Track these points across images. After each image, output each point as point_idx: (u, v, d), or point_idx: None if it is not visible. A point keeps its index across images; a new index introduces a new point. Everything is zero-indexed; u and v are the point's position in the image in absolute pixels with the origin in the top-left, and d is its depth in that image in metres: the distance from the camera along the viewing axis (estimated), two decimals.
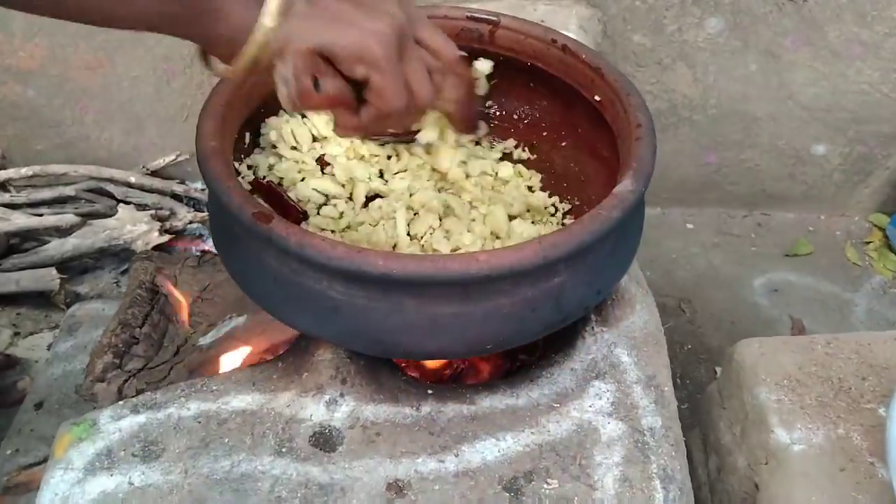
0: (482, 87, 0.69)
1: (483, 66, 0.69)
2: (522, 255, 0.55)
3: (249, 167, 0.76)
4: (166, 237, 1.41)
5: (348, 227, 0.74)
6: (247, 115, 0.74)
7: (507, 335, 0.60)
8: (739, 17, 1.25)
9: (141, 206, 1.47)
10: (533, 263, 0.55)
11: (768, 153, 1.46)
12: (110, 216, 1.46)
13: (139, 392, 0.93)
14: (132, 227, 1.41)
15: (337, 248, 0.54)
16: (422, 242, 0.71)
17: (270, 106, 0.79)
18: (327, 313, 0.59)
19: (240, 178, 0.73)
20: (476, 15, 0.80)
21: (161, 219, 1.42)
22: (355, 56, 0.50)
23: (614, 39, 1.29)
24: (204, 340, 0.94)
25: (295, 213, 0.74)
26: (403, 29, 0.51)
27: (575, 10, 1.21)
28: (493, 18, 0.80)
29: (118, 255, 1.45)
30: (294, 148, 0.80)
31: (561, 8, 1.21)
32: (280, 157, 0.78)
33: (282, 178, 0.77)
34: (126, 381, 0.94)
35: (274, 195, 0.74)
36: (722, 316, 1.38)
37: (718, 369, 1.29)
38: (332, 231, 0.73)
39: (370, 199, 0.78)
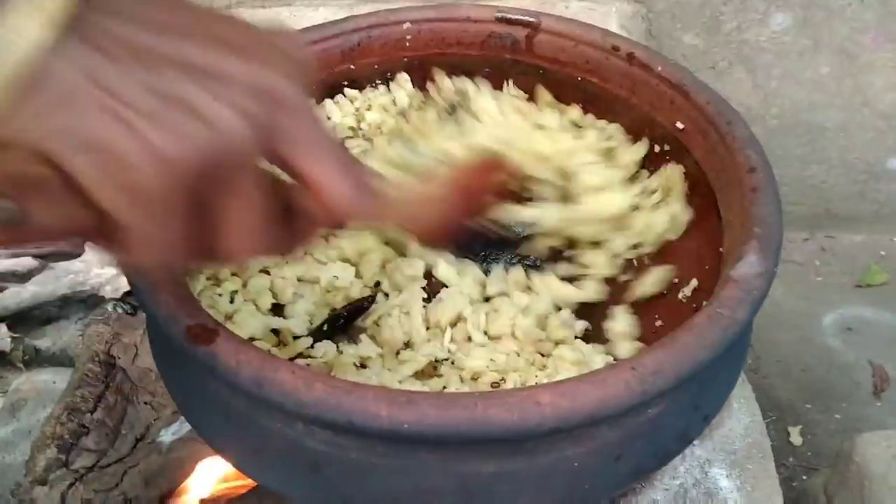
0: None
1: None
2: (609, 394, 0.35)
3: None
4: None
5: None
6: None
7: (577, 496, 0.40)
8: (811, 11, 1.05)
9: None
10: (625, 404, 0.35)
11: (836, 168, 1.26)
12: (76, 256, 1.28)
13: (85, 503, 0.74)
14: (100, 269, 1.22)
15: (314, 387, 0.34)
16: (451, 335, 0.51)
17: None
18: (302, 470, 0.39)
19: None
20: (508, 16, 0.60)
21: None
22: (113, 186, 0.25)
23: (661, 40, 1.09)
24: (165, 435, 0.75)
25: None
26: (247, 142, 0.26)
27: (615, 7, 1.01)
28: (532, 20, 0.60)
29: (85, 301, 1.26)
30: None
31: (598, 5, 1.01)
32: None
33: None
34: (71, 485, 0.75)
35: None
36: (790, 362, 1.18)
37: (792, 430, 1.09)
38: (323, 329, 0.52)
39: None
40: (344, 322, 0.53)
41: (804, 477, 1.00)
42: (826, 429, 1.08)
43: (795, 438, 1.08)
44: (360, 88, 0.63)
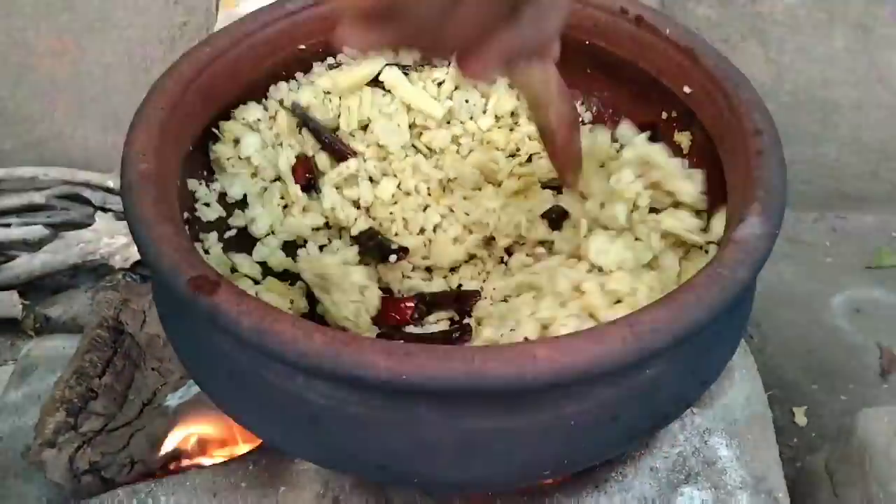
0: None
1: None
2: (605, 350, 0.35)
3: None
4: None
5: None
6: (211, 113, 0.54)
7: (573, 456, 0.40)
8: None
9: (122, 215, 1.28)
10: (621, 360, 0.35)
11: (849, 147, 1.24)
12: (88, 226, 1.29)
13: (92, 465, 0.75)
14: (109, 239, 1.23)
15: (314, 337, 0.35)
16: None
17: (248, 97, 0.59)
18: (303, 424, 0.39)
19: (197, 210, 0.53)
20: None
21: None
22: None
23: (673, 11, 1.07)
24: (172, 399, 0.76)
25: None
26: None
27: None
28: None
29: (95, 270, 1.27)
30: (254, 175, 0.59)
31: None
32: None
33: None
34: (79, 447, 0.76)
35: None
36: (796, 343, 1.17)
37: (797, 410, 1.09)
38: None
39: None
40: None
41: (808, 458, 1.00)
42: (831, 409, 1.08)
43: (800, 419, 1.07)
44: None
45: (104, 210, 1.28)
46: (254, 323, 0.35)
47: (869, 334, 1.18)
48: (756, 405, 0.56)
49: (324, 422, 0.39)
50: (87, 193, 1.28)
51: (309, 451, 0.41)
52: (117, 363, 0.84)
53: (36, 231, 1.21)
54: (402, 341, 0.37)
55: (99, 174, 1.28)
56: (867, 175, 1.28)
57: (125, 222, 1.24)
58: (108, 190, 1.29)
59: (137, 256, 1.22)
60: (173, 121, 0.48)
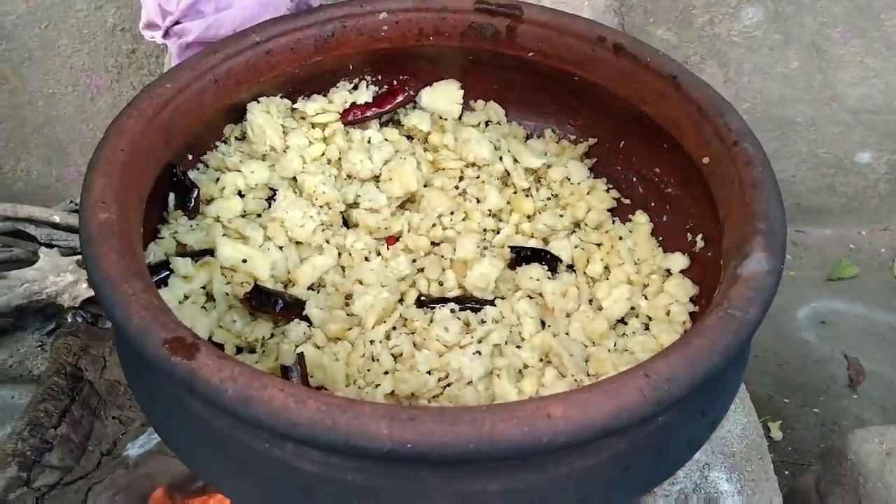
0: None
1: None
2: (622, 403, 0.32)
3: (174, 236, 0.52)
4: None
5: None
6: (168, 157, 0.51)
7: None
8: (782, 5, 1.05)
9: (69, 251, 1.22)
10: (640, 413, 0.33)
11: (806, 163, 1.26)
12: (32, 263, 1.22)
13: None
14: (55, 277, 1.16)
15: (306, 405, 0.31)
16: None
17: (203, 140, 0.56)
18: (294, 494, 0.36)
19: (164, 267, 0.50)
20: (489, 5, 0.58)
21: None
22: None
23: (632, 34, 1.07)
24: (132, 449, 0.71)
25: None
26: None
27: (587, 1, 0.99)
28: (514, 10, 0.57)
29: (42, 311, 1.20)
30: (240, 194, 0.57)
31: None
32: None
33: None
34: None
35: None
36: (766, 357, 1.18)
37: (772, 426, 1.09)
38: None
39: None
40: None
41: (786, 472, 1.00)
42: (805, 423, 1.08)
43: (776, 433, 1.07)
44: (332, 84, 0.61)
45: (49, 246, 1.22)
46: (239, 390, 0.32)
47: (835, 345, 1.19)
48: (752, 435, 0.55)
49: (316, 491, 0.35)
50: (30, 229, 1.21)
51: None
52: (75, 412, 0.78)
53: None
54: (405, 406, 0.34)
55: (43, 209, 1.21)
56: (824, 189, 1.30)
57: (72, 258, 1.17)
58: (54, 225, 1.23)
59: (87, 294, 1.16)
60: (134, 162, 0.44)
